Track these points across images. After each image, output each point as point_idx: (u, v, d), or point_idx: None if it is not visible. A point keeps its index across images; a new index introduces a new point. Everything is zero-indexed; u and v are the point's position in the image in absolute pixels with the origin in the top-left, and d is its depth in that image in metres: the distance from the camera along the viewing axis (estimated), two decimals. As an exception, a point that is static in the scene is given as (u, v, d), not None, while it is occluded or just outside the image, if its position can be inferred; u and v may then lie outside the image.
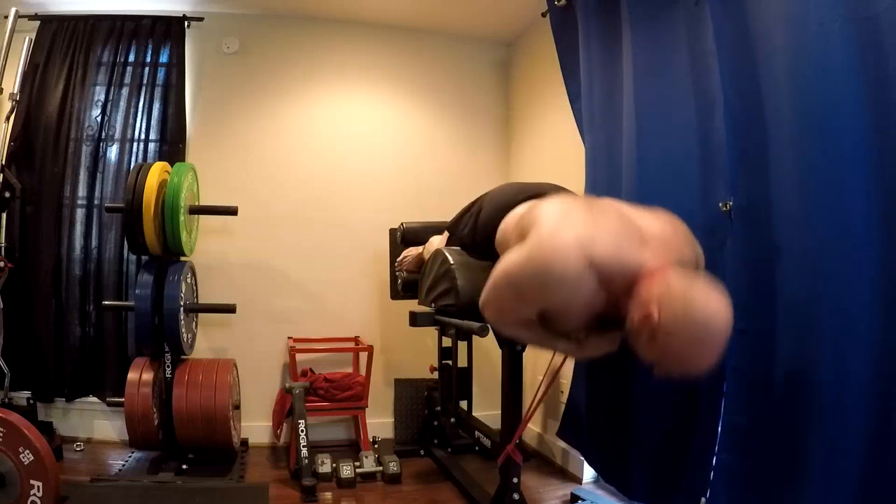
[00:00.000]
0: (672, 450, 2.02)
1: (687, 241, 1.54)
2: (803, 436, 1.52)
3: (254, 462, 3.01)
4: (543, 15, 2.94)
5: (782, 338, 1.61)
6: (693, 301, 1.27)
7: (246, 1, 3.34)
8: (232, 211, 3.02)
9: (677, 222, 1.59)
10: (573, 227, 1.39)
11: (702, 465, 1.88)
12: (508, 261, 1.49)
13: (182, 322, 2.76)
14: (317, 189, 3.50)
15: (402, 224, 2.96)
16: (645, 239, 1.43)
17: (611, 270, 1.37)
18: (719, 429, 1.79)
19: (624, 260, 1.38)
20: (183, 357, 2.89)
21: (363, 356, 3.26)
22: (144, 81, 3.27)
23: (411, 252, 2.62)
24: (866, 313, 1.40)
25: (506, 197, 1.92)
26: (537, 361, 3.22)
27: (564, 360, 1.91)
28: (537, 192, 1.86)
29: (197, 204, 3.00)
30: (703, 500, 1.85)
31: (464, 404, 2.86)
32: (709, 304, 1.28)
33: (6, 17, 2.90)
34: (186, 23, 3.29)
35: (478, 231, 1.94)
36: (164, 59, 3.30)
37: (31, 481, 1.97)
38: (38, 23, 3.17)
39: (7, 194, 2.93)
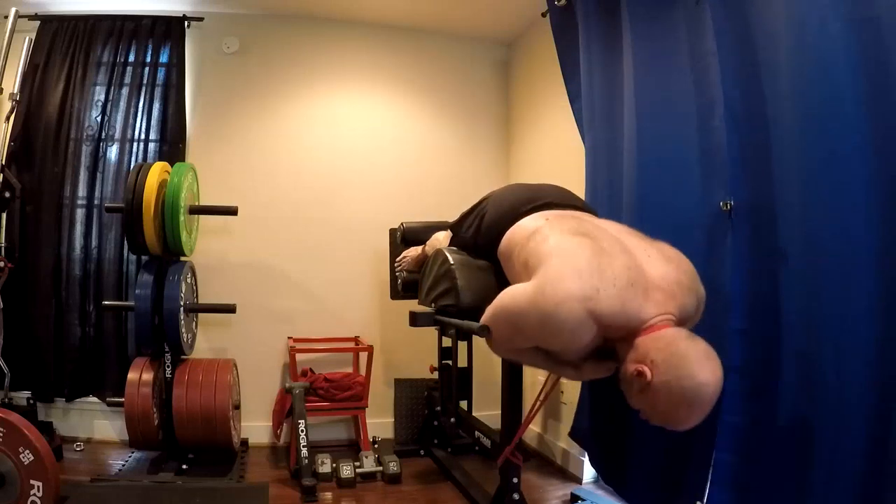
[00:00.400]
0: (668, 452, 2.02)
1: (690, 284, 1.53)
2: (803, 436, 1.52)
3: (254, 462, 3.01)
4: (543, 15, 2.94)
5: (782, 337, 1.61)
6: (686, 368, 1.29)
7: (246, 1, 3.34)
8: (232, 211, 3.02)
9: (683, 262, 1.58)
10: (578, 277, 1.39)
11: (699, 467, 1.88)
12: (512, 298, 1.51)
13: (182, 322, 2.76)
14: (317, 189, 3.50)
15: (402, 224, 2.95)
16: (648, 289, 1.43)
17: (612, 323, 1.40)
18: (717, 430, 1.79)
19: (626, 314, 1.39)
20: (183, 357, 2.90)
21: (363, 356, 3.26)
22: (144, 81, 3.27)
23: (411, 252, 2.62)
24: (867, 313, 1.40)
25: (510, 203, 1.88)
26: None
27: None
28: (543, 200, 1.84)
29: (197, 204, 3.00)
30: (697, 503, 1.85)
31: (464, 404, 2.86)
32: (701, 372, 1.29)
33: (6, 17, 2.90)
34: (186, 23, 3.29)
35: (481, 234, 1.94)
36: (164, 59, 3.30)
37: (31, 481, 1.97)
38: (38, 23, 3.17)
39: (7, 194, 2.93)
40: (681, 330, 1.39)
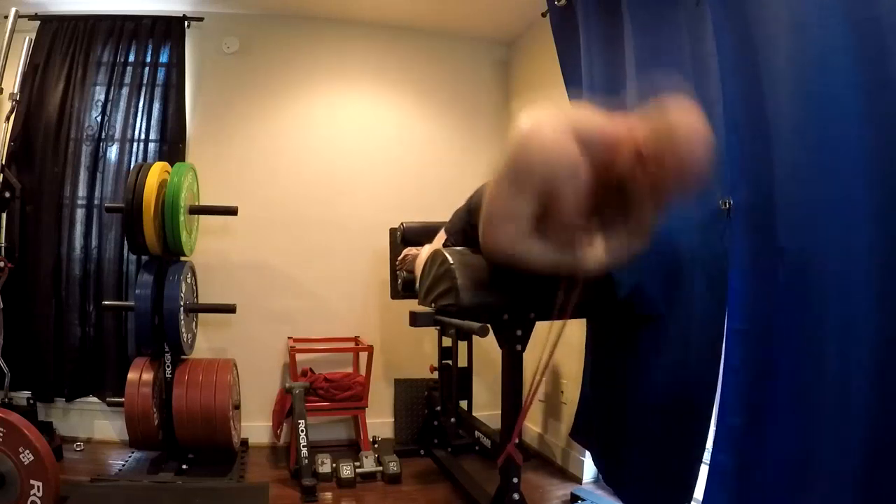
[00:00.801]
0: (662, 452, 2.02)
1: None
2: (803, 437, 1.52)
3: (254, 462, 3.01)
4: (543, 15, 2.94)
5: (781, 338, 1.61)
6: (669, 113, 1.43)
7: (246, 1, 3.34)
8: (232, 211, 3.02)
9: None
10: (547, 112, 1.60)
11: (692, 468, 1.88)
12: (497, 169, 1.61)
13: (182, 322, 2.76)
14: (317, 189, 3.50)
15: (402, 224, 2.95)
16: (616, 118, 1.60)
17: (590, 132, 1.51)
18: (713, 431, 1.79)
19: (602, 127, 1.54)
20: (183, 357, 2.90)
21: (363, 356, 3.26)
22: (144, 81, 3.27)
23: (412, 251, 2.62)
24: (868, 313, 1.39)
25: None
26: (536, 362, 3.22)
27: (559, 337, 1.90)
28: None
29: (197, 204, 3.00)
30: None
31: (464, 404, 2.86)
32: (682, 111, 1.44)
33: (6, 17, 2.91)
34: (186, 23, 3.29)
35: (472, 212, 1.98)
36: (164, 59, 3.30)
37: (31, 481, 1.97)
38: (38, 23, 3.18)
39: (7, 194, 2.93)
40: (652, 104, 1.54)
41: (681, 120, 1.44)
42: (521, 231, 1.60)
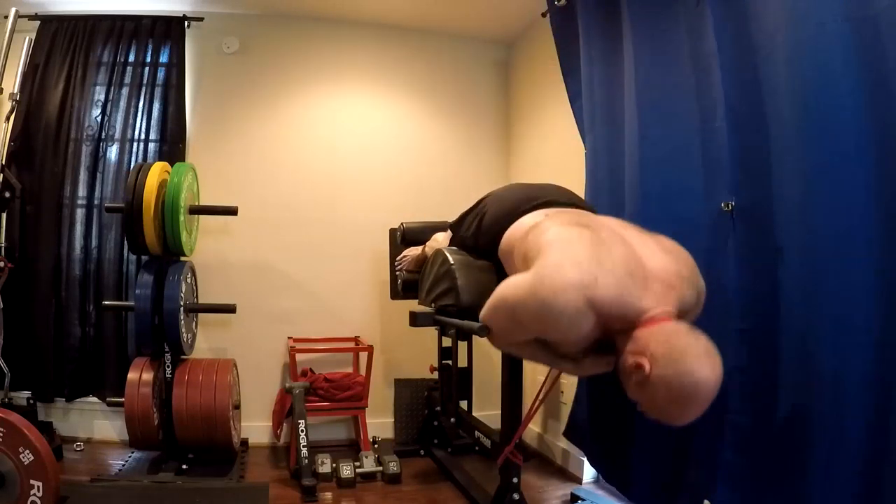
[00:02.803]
0: (673, 450, 2.02)
1: (690, 276, 1.51)
2: (805, 434, 1.52)
3: (254, 462, 3.01)
4: (543, 15, 2.94)
5: (784, 337, 1.61)
6: (685, 363, 1.27)
7: (246, 1, 3.34)
8: (232, 211, 3.02)
9: (682, 254, 1.56)
10: (577, 266, 1.37)
11: (704, 465, 1.87)
12: (510, 287, 1.49)
13: (182, 322, 2.76)
14: (317, 189, 3.50)
15: (402, 224, 2.95)
16: (648, 279, 1.41)
17: (611, 313, 1.37)
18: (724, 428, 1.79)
19: (625, 304, 1.37)
20: (183, 357, 2.89)
21: (363, 356, 3.26)
22: (144, 81, 3.27)
23: (411, 252, 2.61)
24: (868, 312, 1.40)
25: (511, 202, 1.88)
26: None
27: (555, 380, 1.90)
28: (544, 199, 1.84)
29: (197, 204, 3.00)
30: (705, 502, 1.84)
31: (464, 404, 2.86)
32: (700, 369, 1.27)
33: (6, 17, 2.91)
34: (186, 23, 3.29)
35: (481, 234, 1.93)
36: (164, 59, 3.30)
37: (31, 481, 1.97)
38: (38, 23, 3.18)
39: (7, 194, 2.93)
40: (681, 324, 1.36)
41: (693, 373, 1.27)
42: (511, 342, 1.63)
